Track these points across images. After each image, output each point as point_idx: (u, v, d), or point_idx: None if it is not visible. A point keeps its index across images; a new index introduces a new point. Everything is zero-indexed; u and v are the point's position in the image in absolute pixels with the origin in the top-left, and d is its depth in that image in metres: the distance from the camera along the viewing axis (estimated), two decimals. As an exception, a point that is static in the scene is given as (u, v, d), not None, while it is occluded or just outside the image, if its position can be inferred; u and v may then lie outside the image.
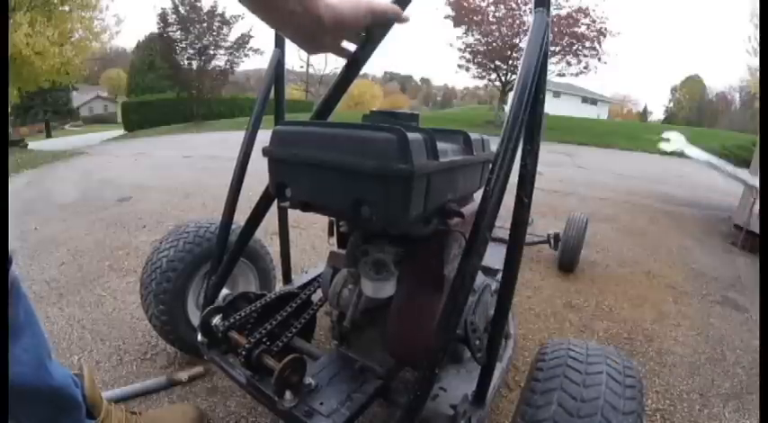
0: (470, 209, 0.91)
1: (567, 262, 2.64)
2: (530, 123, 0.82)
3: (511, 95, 0.76)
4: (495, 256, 1.26)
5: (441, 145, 0.75)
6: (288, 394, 0.89)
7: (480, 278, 1.04)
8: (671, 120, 55.95)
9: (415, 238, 0.90)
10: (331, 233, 1.07)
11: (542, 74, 0.79)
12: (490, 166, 0.72)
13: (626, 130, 18.83)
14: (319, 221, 3.17)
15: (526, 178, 0.84)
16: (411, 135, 0.65)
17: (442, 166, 0.73)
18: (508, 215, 0.87)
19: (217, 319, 1.10)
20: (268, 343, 1.04)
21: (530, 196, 0.85)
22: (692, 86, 61.54)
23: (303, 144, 0.75)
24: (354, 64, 0.89)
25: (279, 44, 1.34)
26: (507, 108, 0.72)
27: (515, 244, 0.89)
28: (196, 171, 5.66)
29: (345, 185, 0.69)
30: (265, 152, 0.82)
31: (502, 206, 0.74)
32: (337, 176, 0.70)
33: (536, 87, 0.77)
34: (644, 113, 76.53)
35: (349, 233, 1.03)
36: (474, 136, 0.91)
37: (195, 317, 1.42)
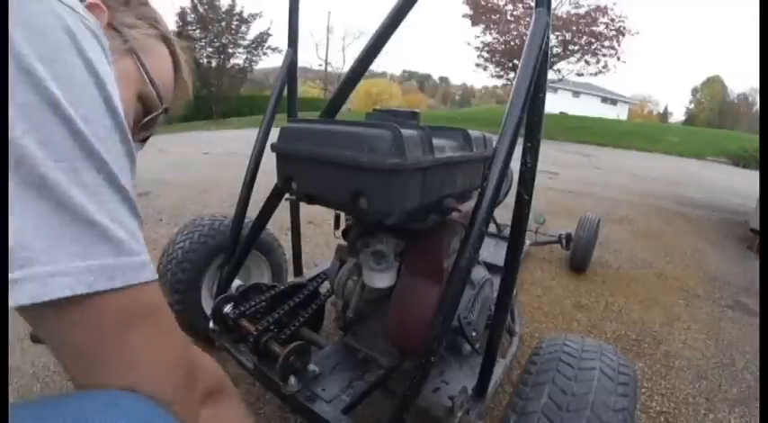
0: (471, 205, 0.93)
1: (579, 262, 2.63)
2: (530, 122, 0.84)
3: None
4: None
5: (438, 141, 0.78)
6: (292, 379, 0.93)
7: (481, 273, 1.07)
8: (691, 121, 54.75)
9: (414, 230, 0.93)
10: (337, 226, 1.11)
11: (542, 73, 0.81)
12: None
13: (645, 132, 18.52)
14: (333, 218, 3.22)
15: (526, 175, 0.87)
16: (405, 131, 0.68)
17: (438, 162, 0.76)
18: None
19: (228, 308, 1.14)
20: (276, 331, 1.09)
21: (530, 193, 0.87)
22: (712, 87, 60.20)
23: (307, 140, 0.79)
24: (360, 66, 0.93)
25: (292, 44, 1.38)
26: (506, 106, 0.74)
27: (516, 239, 0.91)
28: (214, 167, 5.76)
29: (345, 179, 0.73)
30: (273, 148, 0.87)
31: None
32: (337, 170, 0.74)
33: (536, 86, 0.79)
34: (664, 114, 75.07)
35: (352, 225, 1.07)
36: (474, 134, 0.94)
37: (209, 307, 1.47)
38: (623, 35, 17.36)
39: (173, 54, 0.61)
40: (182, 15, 18.43)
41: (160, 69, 0.58)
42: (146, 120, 0.59)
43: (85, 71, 0.35)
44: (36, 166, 0.30)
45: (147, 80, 0.55)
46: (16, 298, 0.30)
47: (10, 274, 0.29)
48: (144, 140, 0.65)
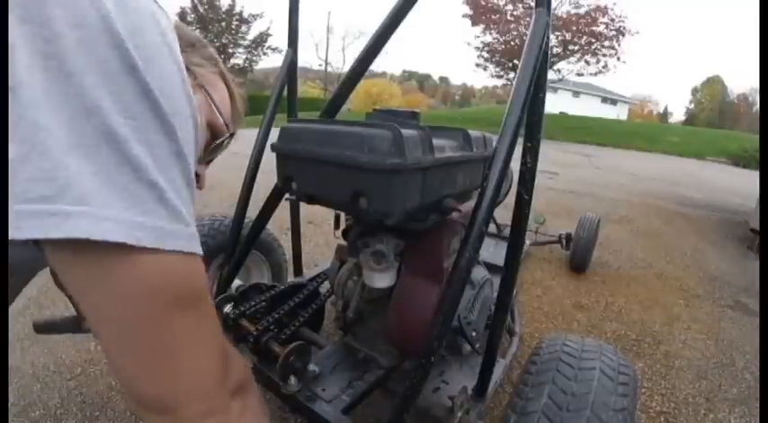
0: (471, 205, 0.93)
1: (579, 262, 2.63)
2: (530, 122, 0.84)
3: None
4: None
5: (438, 141, 0.78)
6: (292, 379, 0.93)
7: (481, 273, 1.07)
8: (691, 121, 54.79)
9: (414, 230, 0.93)
10: (337, 226, 1.11)
11: (542, 73, 0.81)
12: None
13: (646, 131, 18.53)
14: (333, 218, 3.23)
15: (526, 175, 0.87)
16: (406, 131, 0.68)
17: (438, 162, 0.75)
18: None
19: (228, 308, 1.14)
20: (276, 331, 1.08)
21: (530, 193, 0.87)
22: (712, 87, 60.29)
23: (307, 140, 0.79)
24: (360, 66, 0.93)
25: (292, 44, 1.38)
26: (507, 106, 0.74)
27: (516, 239, 0.91)
28: (213, 167, 5.70)
29: (345, 179, 0.73)
30: (273, 148, 0.87)
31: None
32: (337, 170, 0.74)
33: (536, 86, 0.79)
34: (664, 114, 75.11)
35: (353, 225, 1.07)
36: (474, 133, 0.94)
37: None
38: (623, 35, 17.39)
39: (228, 88, 0.70)
40: (182, 15, 18.47)
41: (223, 102, 0.67)
42: (214, 144, 0.69)
43: (168, 55, 0.36)
44: (106, 117, 0.30)
45: (216, 110, 0.65)
46: (66, 229, 0.28)
47: (56, 206, 0.29)
48: (208, 162, 0.76)
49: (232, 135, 0.72)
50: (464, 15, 18.73)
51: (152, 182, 0.32)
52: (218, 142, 0.69)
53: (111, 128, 0.30)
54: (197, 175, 0.67)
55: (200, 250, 0.38)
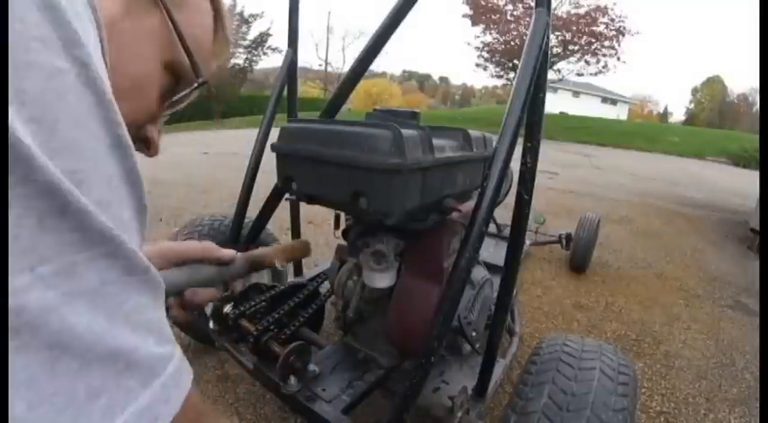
0: (471, 205, 0.93)
1: (579, 262, 2.63)
2: (530, 122, 0.84)
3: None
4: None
5: (438, 141, 0.78)
6: (292, 379, 0.93)
7: (481, 273, 1.07)
8: (691, 121, 54.81)
9: (414, 230, 0.93)
10: (337, 226, 1.11)
11: (542, 73, 0.81)
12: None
13: (646, 132, 18.57)
14: (333, 218, 3.23)
15: (526, 175, 0.87)
16: (406, 131, 0.68)
17: (438, 162, 0.76)
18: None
19: (228, 308, 1.14)
20: (276, 331, 1.08)
21: (530, 193, 0.88)
22: (713, 88, 60.29)
23: (307, 140, 0.80)
24: (360, 66, 0.93)
25: (292, 44, 1.39)
26: (507, 106, 0.74)
27: (516, 239, 0.91)
28: (214, 167, 5.75)
29: (345, 179, 0.73)
30: (274, 148, 0.87)
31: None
32: (337, 170, 0.74)
33: (536, 86, 0.79)
34: (664, 114, 75.14)
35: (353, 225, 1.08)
36: (474, 134, 0.94)
37: (209, 307, 1.47)
38: (623, 35, 17.36)
39: (212, 1, 0.43)
40: (182, 15, 18.40)
41: (197, 27, 0.41)
42: (175, 98, 0.43)
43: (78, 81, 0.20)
44: (19, 292, 0.17)
45: (180, 45, 0.39)
46: None
47: None
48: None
49: (204, 83, 0.43)
50: (464, 15, 18.73)
51: (110, 352, 0.21)
52: (180, 95, 0.43)
53: (29, 310, 0.17)
54: (148, 140, 0.43)
55: (189, 376, 0.28)
